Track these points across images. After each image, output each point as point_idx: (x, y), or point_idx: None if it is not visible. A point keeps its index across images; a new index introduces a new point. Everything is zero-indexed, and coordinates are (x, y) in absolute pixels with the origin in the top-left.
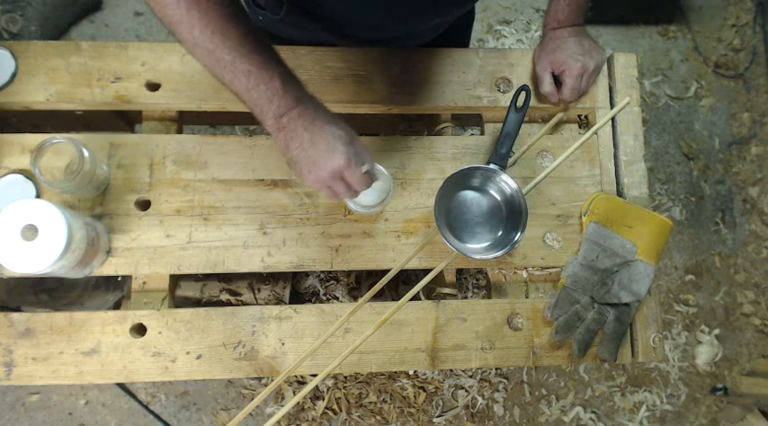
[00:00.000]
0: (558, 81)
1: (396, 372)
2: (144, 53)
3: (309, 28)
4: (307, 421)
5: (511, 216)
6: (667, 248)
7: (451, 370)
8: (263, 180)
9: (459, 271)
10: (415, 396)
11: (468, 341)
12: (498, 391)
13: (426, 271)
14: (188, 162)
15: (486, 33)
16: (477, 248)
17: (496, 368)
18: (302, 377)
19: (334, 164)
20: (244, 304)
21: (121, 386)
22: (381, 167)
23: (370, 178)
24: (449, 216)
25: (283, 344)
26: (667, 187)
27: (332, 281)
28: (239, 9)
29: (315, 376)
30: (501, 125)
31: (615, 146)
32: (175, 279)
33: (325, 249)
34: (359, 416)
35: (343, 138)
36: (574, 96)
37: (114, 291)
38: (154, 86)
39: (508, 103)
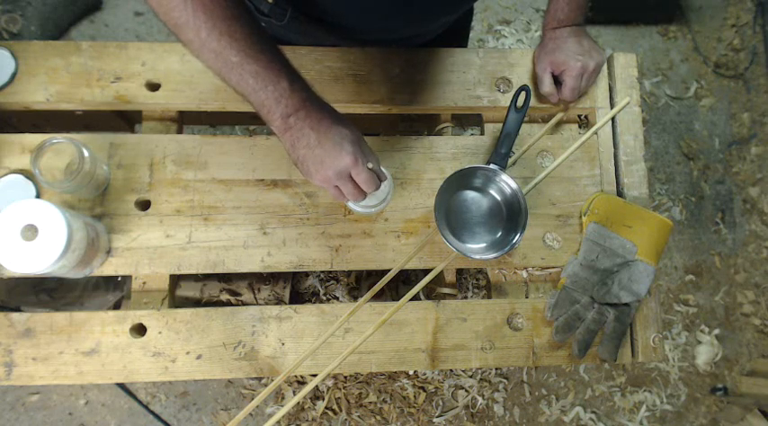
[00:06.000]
0: (557, 81)
1: (396, 372)
2: (144, 53)
3: (313, 33)
4: (307, 421)
5: (511, 216)
6: (667, 248)
7: (451, 370)
8: (263, 180)
9: (459, 271)
10: (415, 396)
11: (468, 341)
12: (498, 391)
13: (426, 271)
14: (188, 162)
15: (486, 33)
16: (477, 248)
17: (496, 368)
18: (302, 377)
19: (340, 163)
20: (244, 304)
21: (121, 385)
22: (382, 167)
23: (377, 179)
24: (449, 216)
25: (283, 344)
26: (667, 187)
27: (332, 281)
28: (245, 10)
29: (315, 376)
30: (501, 125)
31: (615, 146)
32: (175, 279)
33: (325, 249)
34: (359, 416)
35: (349, 137)
36: (574, 96)
37: (114, 291)
38: (154, 86)
39: (508, 103)
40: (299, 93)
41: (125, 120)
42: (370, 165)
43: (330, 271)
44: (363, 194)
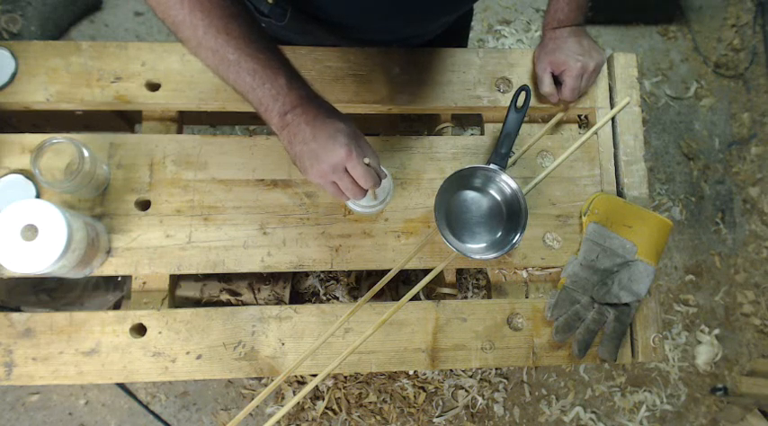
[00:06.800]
0: (557, 81)
1: (396, 372)
2: (144, 53)
3: (314, 33)
4: (307, 421)
5: (511, 216)
6: (667, 248)
7: (451, 370)
8: (263, 180)
9: (459, 271)
10: (415, 396)
11: (468, 341)
12: (498, 391)
13: (426, 271)
14: (188, 162)
15: (486, 33)
16: (477, 248)
17: (496, 368)
18: (302, 377)
19: (335, 156)
20: (244, 304)
21: (121, 385)
22: (382, 167)
23: (375, 175)
24: (449, 216)
25: (283, 344)
26: (667, 187)
27: (332, 281)
28: (242, 8)
29: (315, 376)
30: (501, 125)
31: (615, 146)
32: (175, 279)
33: (325, 249)
34: (359, 416)
35: (344, 131)
36: (574, 96)
37: (114, 291)
38: (154, 86)
39: (508, 103)
40: (297, 91)
41: (125, 120)
42: (366, 160)
43: (330, 271)
44: (362, 191)
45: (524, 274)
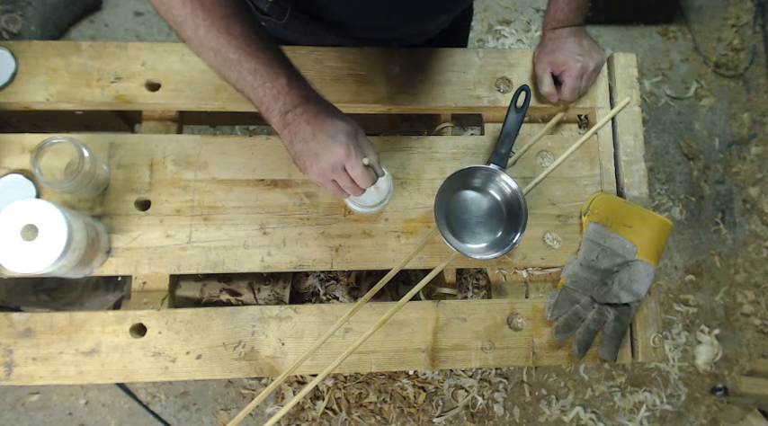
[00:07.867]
0: (557, 81)
1: (396, 372)
2: (144, 53)
3: (314, 31)
4: (307, 421)
5: (511, 216)
6: (667, 248)
7: (451, 370)
8: (263, 180)
9: (459, 271)
10: (415, 396)
11: (468, 341)
12: (498, 391)
13: (426, 271)
14: (188, 162)
15: (486, 33)
16: (477, 248)
17: (496, 368)
18: (302, 377)
19: (334, 155)
20: (244, 304)
21: (121, 385)
22: (382, 167)
23: (373, 174)
24: (449, 216)
25: (283, 344)
26: (667, 187)
27: (332, 281)
28: (244, 8)
29: (315, 376)
30: (501, 125)
31: (615, 146)
32: (175, 279)
33: (325, 249)
34: (359, 416)
35: (344, 130)
36: (574, 96)
37: (114, 291)
38: (154, 86)
39: (508, 103)
40: (298, 90)
41: (125, 120)
42: (365, 161)
43: (330, 271)
44: (360, 190)
45: (524, 274)
